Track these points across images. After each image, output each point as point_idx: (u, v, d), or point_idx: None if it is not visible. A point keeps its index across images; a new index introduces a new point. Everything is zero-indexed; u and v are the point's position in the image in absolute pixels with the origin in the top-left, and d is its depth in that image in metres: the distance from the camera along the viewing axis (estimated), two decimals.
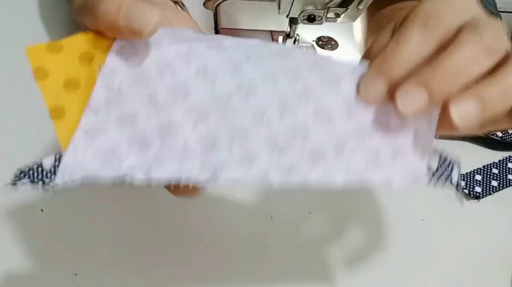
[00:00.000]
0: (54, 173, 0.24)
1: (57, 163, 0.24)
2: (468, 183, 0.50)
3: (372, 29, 0.55)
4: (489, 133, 0.55)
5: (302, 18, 0.47)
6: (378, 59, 0.27)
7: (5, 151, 0.45)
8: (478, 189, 0.50)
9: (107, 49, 0.24)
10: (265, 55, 0.24)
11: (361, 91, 0.26)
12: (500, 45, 0.27)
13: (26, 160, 0.44)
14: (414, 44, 0.26)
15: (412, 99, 0.25)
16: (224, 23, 0.59)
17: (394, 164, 0.25)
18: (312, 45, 0.58)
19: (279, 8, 0.46)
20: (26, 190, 0.42)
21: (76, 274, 0.39)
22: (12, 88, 0.49)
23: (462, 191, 0.27)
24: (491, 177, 0.51)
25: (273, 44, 0.28)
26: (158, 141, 0.23)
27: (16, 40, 0.53)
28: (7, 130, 0.46)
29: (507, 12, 0.70)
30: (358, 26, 0.60)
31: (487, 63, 0.26)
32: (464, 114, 0.25)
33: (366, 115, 0.25)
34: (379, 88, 0.26)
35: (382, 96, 0.26)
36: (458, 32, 0.26)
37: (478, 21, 0.27)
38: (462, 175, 0.51)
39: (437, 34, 0.27)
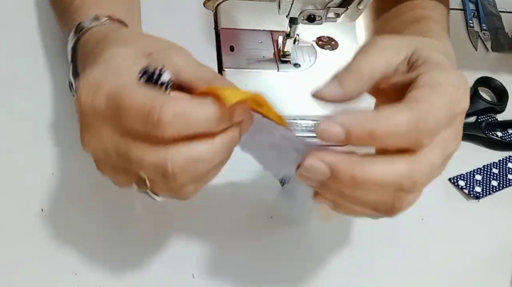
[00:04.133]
0: None
1: None
2: (468, 183, 0.50)
3: (376, 33, 0.55)
4: (489, 133, 0.55)
5: (302, 18, 0.47)
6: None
7: (5, 150, 0.45)
8: (478, 189, 0.50)
9: None
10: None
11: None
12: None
13: (25, 159, 0.44)
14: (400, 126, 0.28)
15: None
16: (224, 23, 0.59)
17: None
18: (312, 45, 0.58)
19: (279, 8, 0.46)
20: (26, 190, 0.43)
21: (76, 274, 0.39)
22: (10, 87, 0.49)
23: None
24: (491, 177, 0.51)
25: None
26: None
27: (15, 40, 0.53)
28: (6, 129, 0.46)
29: (507, 12, 0.70)
30: (361, 27, 0.60)
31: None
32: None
33: None
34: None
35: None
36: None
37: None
38: (462, 175, 0.51)
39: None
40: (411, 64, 0.32)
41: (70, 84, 0.41)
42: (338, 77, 0.31)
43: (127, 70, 0.29)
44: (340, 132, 0.28)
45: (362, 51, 0.33)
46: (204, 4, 0.61)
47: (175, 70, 0.30)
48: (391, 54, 0.33)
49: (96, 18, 0.39)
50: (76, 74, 0.39)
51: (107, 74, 0.29)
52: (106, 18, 0.39)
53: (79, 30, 0.39)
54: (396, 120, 0.28)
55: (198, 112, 0.28)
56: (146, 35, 0.35)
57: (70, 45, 0.40)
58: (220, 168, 0.32)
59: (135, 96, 0.27)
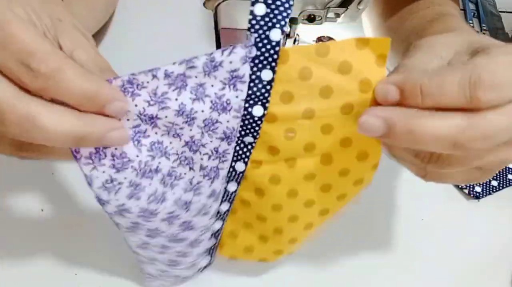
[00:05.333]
0: None
1: None
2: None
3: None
4: None
5: (302, 18, 0.47)
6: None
7: None
8: (478, 189, 0.50)
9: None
10: None
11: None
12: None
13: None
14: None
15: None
16: (224, 23, 0.59)
17: None
18: None
19: None
20: (26, 190, 0.43)
21: (76, 274, 0.39)
22: None
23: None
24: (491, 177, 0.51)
25: None
26: None
27: None
28: None
29: (507, 12, 0.70)
30: (361, 27, 0.60)
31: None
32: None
33: None
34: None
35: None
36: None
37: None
38: None
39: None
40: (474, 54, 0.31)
41: None
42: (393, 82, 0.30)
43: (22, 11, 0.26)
44: (394, 90, 0.28)
45: (408, 55, 0.32)
46: (204, 4, 0.61)
47: (75, 47, 0.28)
48: (440, 49, 0.32)
49: None
50: None
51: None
52: None
53: None
54: (448, 72, 0.27)
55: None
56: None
57: None
58: None
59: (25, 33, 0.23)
